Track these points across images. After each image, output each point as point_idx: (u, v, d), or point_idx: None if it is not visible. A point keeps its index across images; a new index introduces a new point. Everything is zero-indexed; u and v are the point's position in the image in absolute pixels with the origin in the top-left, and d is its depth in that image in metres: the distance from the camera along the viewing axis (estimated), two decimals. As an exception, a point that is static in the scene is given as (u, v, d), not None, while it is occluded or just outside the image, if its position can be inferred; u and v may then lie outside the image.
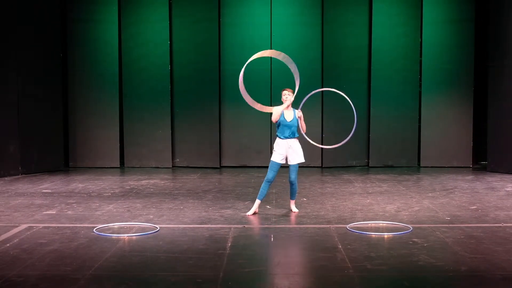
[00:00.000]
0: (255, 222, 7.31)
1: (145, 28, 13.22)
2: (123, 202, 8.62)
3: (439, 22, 13.19)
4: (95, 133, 13.22)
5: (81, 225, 7.03)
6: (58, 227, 6.91)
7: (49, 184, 10.50)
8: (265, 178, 7.66)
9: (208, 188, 10.03)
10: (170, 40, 13.18)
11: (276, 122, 7.64)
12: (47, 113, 12.31)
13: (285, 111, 7.62)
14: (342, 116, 12.36)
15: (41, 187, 10.17)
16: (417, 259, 5.49)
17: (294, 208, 7.87)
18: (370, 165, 13.22)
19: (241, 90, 7.75)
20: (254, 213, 7.67)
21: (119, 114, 13.25)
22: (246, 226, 6.97)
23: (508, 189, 9.85)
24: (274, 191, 9.44)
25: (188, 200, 8.78)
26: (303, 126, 7.67)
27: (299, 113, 7.64)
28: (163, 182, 10.87)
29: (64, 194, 9.41)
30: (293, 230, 6.87)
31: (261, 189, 7.69)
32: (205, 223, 7.11)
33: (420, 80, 13.33)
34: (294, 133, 7.65)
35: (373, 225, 7.07)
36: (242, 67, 7.65)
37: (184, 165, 13.29)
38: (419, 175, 11.90)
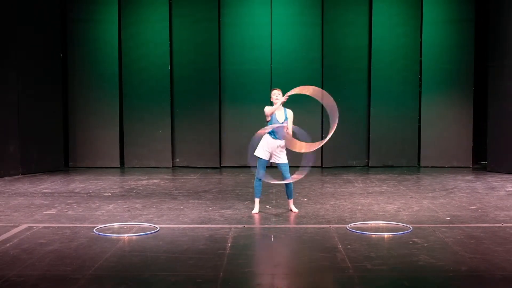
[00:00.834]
0: (255, 222, 7.31)
1: (145, 28, 13.22)
2: (123, 202, 8.62)
3: (439, 22, 13.19)
4: (95, 133, 13.22)
5: (81, 225, 7.03)
6: (58, 227, 6.91)
7: (49, 184, 10.50)
8: (256, 177, 7.68)
9: (208, 188, 10.03)
10: (170, 40, 13.18)
11: (268, 121, 7.64)
12: (47, 113, 12.31)
13: (277, 111, 7.61)
14: (342, 116, 12.30)
15: (41, 187, 10.17)
16: (417, 259, 5.49)
17: (293, 208, 7.87)
18: (370, 165, 13.21)
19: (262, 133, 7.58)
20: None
21: (119, 114, 13.26)
22: (246, 226, 6.97)
23: (508, 189, 9.85)
24: (274, 191, 9.44)
25: (188, 200, 8.78)
26: (290, 127, 7.63)
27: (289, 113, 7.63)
28: (163, 182, 10.86)
29: (64, 194, 9.41)
30: (293, 230, 6.88)
31: (255, 188, 7.73)
32: (205, 223, 7.12)
33: (420, 80, 13.32)
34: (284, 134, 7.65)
35: (373, 225, 7.07)
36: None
37: (184, 165, 13.29)
38: (419, 175, 11.90)
